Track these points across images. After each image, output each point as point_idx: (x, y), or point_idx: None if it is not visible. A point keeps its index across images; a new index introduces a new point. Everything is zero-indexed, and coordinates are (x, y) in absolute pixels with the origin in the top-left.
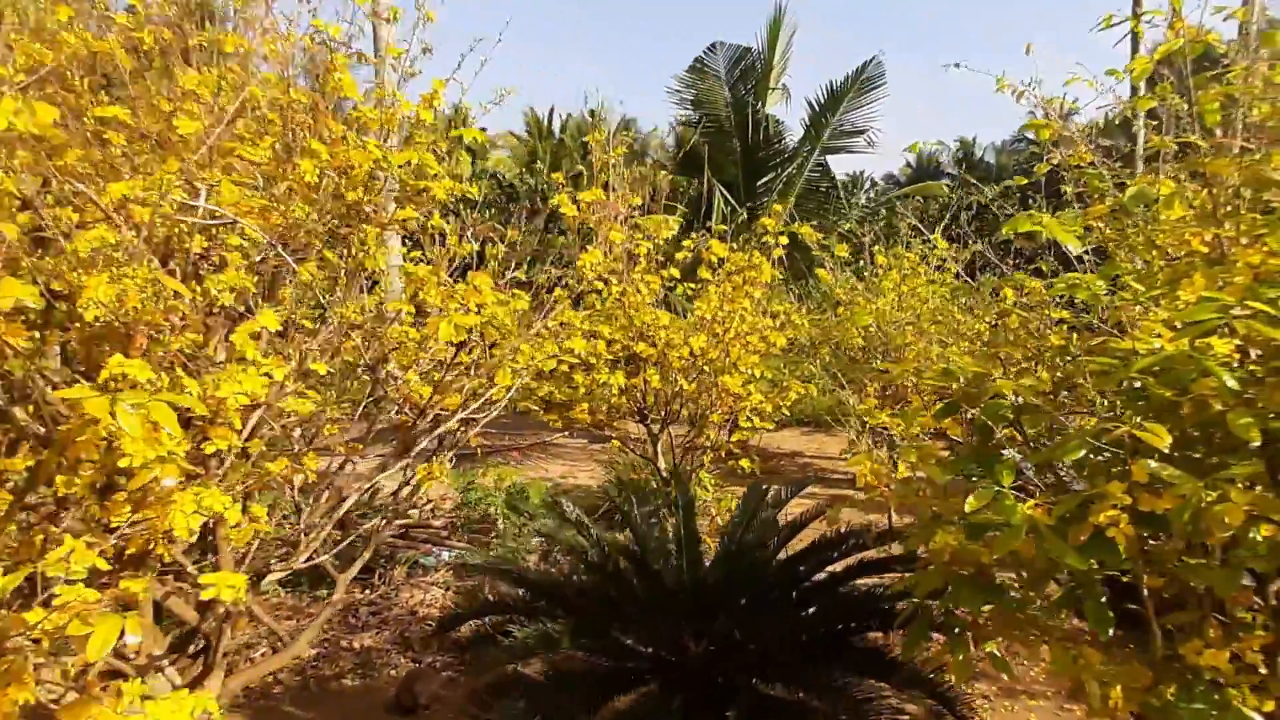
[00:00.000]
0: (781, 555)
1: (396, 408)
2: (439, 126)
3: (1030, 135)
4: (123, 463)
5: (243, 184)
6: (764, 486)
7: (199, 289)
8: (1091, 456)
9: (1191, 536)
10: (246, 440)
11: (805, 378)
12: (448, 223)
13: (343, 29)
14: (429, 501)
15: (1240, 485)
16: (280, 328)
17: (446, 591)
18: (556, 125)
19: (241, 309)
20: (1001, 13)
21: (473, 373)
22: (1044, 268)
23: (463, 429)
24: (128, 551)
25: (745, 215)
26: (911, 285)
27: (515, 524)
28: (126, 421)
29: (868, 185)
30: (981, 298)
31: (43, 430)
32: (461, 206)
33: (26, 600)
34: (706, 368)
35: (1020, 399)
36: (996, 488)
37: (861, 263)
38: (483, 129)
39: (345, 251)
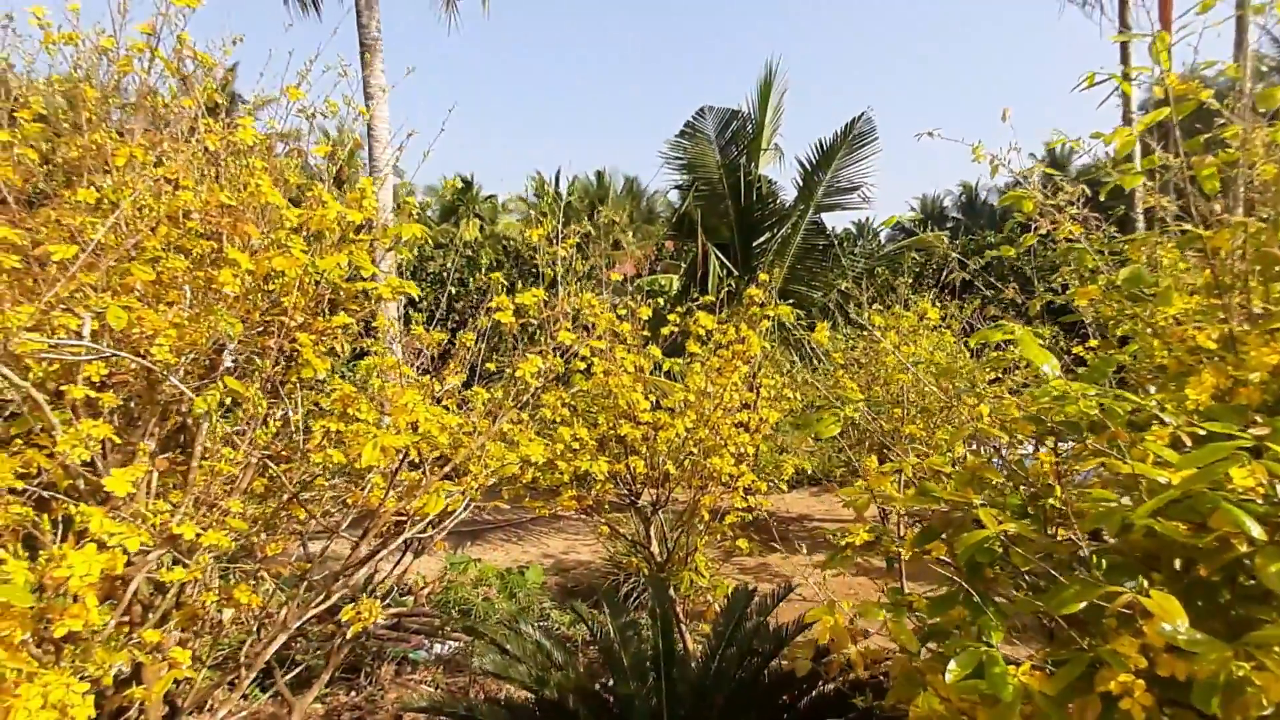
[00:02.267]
0: (771, 666)
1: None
2: (382, 223)
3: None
4: None
5: (153, 302)
6: (751, 590)
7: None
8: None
9: (1223, 716)
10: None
11: (809, 450)
12: (410, 313)
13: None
14: (425, 587)
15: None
16: (127, 489)
17: (437, 690)
18: (564, 187)
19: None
20: (995, 58)
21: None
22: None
23: (429, 533)
24: None
25: (741, 279)
26: (909, 351)
27: (510, 612)
28: None
29: (872, 235)
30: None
31: None
32: (467, 272)
33: None
34: (695, 449)
35: (1006, 529)
36: (985, 647)
37: (861, 317)
38: (491, 195)
39: (275, 364)
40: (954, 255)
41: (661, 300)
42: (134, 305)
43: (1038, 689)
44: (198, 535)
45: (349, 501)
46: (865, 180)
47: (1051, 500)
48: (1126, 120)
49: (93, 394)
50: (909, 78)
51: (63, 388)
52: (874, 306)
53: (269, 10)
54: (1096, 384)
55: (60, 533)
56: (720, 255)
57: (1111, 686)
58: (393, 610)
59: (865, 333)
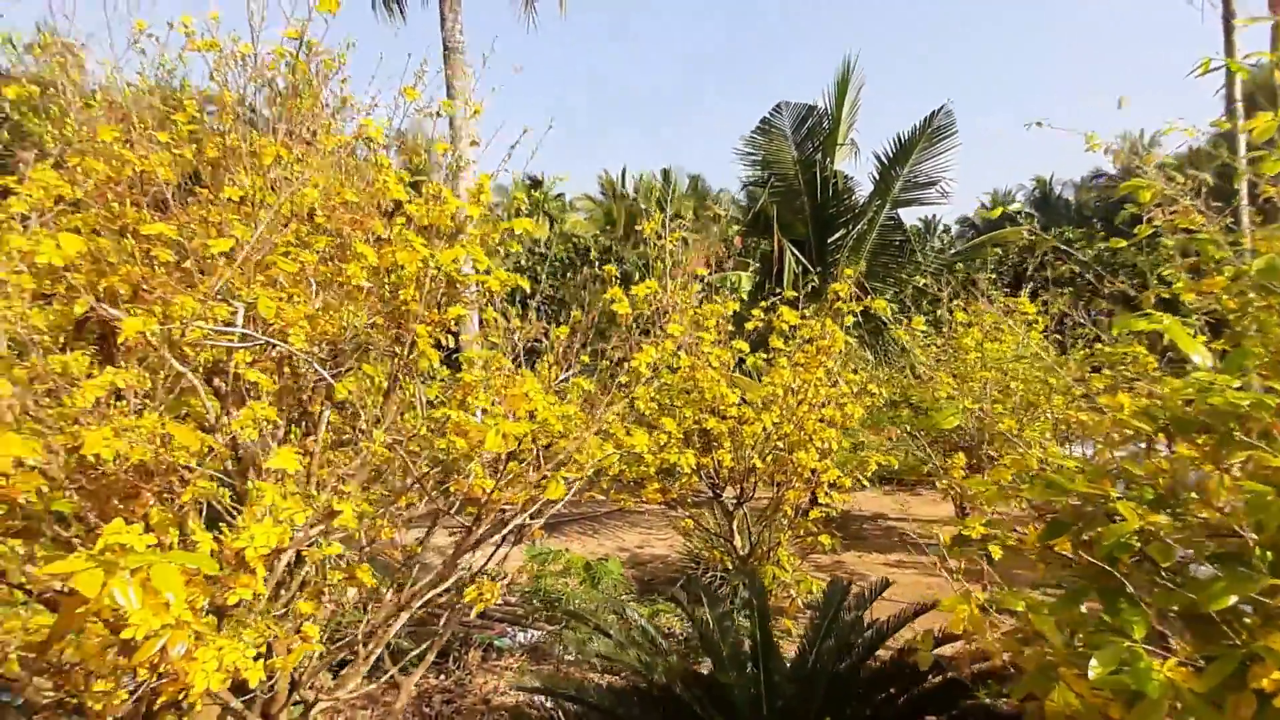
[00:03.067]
0: (870, 662)
1: (457, 504)
2: (492, 217)
3: (1102, 176)
4: (126, 633)
5: (288, 294)
6: (846, 583)
7: (225, 424)
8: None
9: None
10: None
11: (887, 447)
12: (509, 307)
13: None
14: (505, 576)
15: None
16: (300, 467)
17: (521, 677)
18: (629, 185)
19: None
20: (1079, 43)
21: (530, 473)
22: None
23: (529, 521)
24: (160, 701)
25: (816, 276)
26: (995, 349)
27: (592, 602)
28: (124, 595)
29: (940, 230)
30: (1075, 363)
31: (59, 586)
32: (538, 268)
33: None
34: (781, 443)
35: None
36: (1127, 642)
37: (939, 314)
38: (560, 194)
39: (396, 354)
40: (1052, 248)
41: (737, 298)
42: (278, 297)
43: (1185, 686)
44: (358, 514)
45: (451, 489)
46: (943, 175)
47: (1191, 494)
48: (1230, 109)
49: (264, 380)
50: (980, 69)
51: (239, 371)
52: (954, 303)
53: (354, 11)
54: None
55: (204, 510)
56: (795, 252)
57: (1265, 684)
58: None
59: (944, 329)
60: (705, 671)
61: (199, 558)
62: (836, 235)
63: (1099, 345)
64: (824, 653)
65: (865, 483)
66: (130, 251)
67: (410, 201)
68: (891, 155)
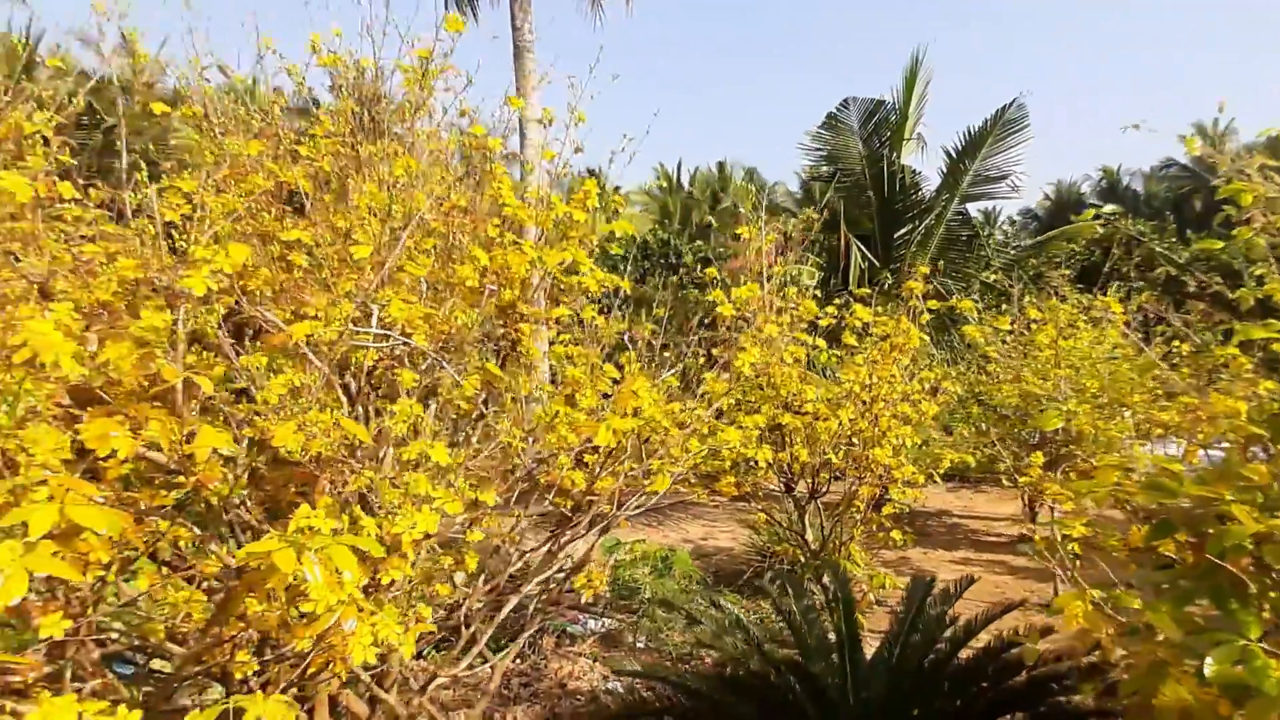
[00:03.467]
0: (957, 658)
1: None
2: (591, 221)
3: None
4: (306, 606)
5: (409, 300)
6: (930, 579)
7: (374, 419)
8: None
9: None
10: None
11: (963, 444)
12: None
13: (493, 130)
14: (589, 564)
15: None
16: (449, 460)
17: (594, 663)
18: (685, 178)
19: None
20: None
21: (626, 466)
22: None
23: (615, 512)
24: (310, 670)
25: (883, 271)
26: (1070, 346)
27: (665, 592)
28: (311, 572)
29: (1001, 223)
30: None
31: (234, 563)
32: (619, 266)
33: None
34: (855, 439)
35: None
36: (1243, 641)
37: (1004, 309)
38: (617, 188)
39: (511, 353)
40: (1128, 240)
41: (810, 294)
42: (403, 298)
43: None
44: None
45: (541, 480)
46: (1014, 169)
47: None
48: None
49: (408, 376)
50: (1046, 61)
51: (395, 374)
52: (1026, 299)
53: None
54: None
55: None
56: (861, 247)
57: None
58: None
59: (1014, 326)
60: (794, 661)
61: (367, 541)
62: (903, 230)
63: (1177, 343)
64: (910, 646)
65: (938, 479)
66: (274, 256)
67: (522, 207)
68: (960, 149)
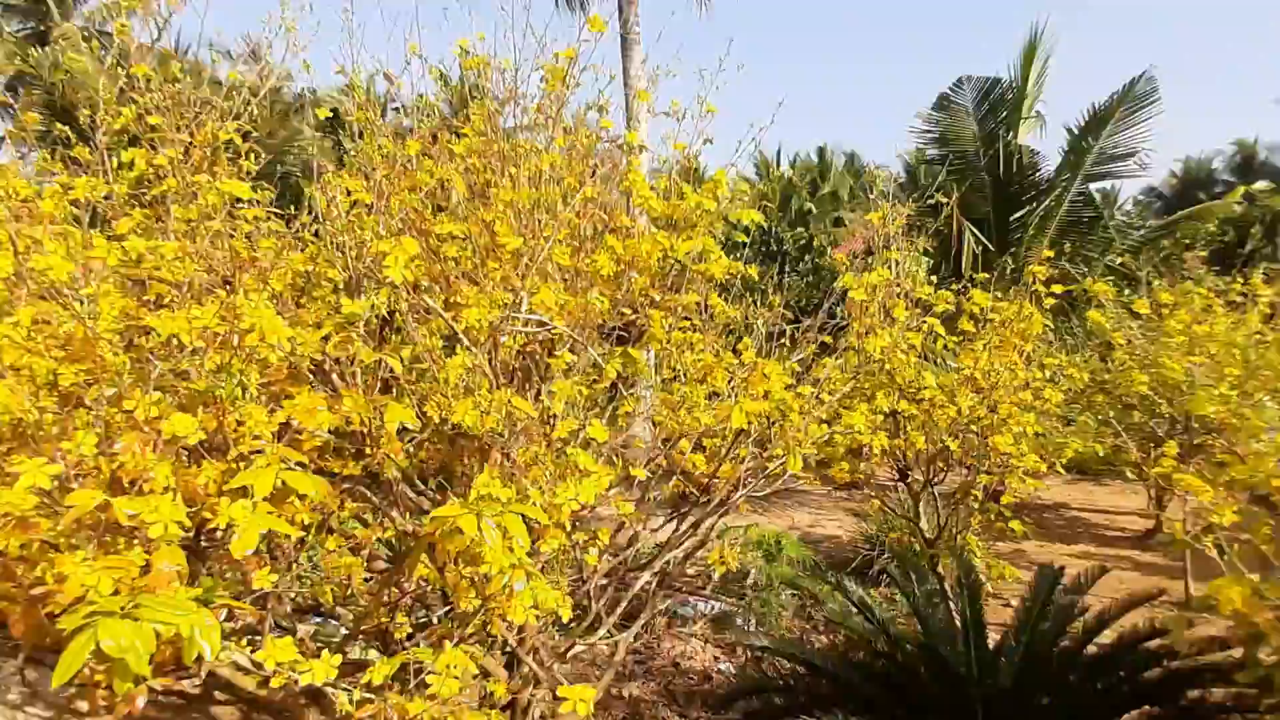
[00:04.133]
0: (1088, 649)
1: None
2: (718, 211)
3: None
4: (482, 568)
5: (552, 288)
6: (1058, 567)
7: (541, 401)
8: None
9: None
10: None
11: (1085, 434)
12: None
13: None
14: (707, 546)
15: None
16: (605, 437)
17: (705, 644)
18: (784, 164)
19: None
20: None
21: (745, 451)
22: None
23: (734, 495)
24: (469, 631)
25: (997, 255)
26: (1206, 330)
27: (768, 576)
28: (490, 536)
29: (1124, 203)
30: None
31: (410, 529)
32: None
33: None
34: (974, 426)
35: None
36: None
37: (1131, 293)
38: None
39: (639, 339)
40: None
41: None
42: (553, 286)
43: None
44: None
45: (662, 463)
46: (1142, 145)
47: None
48: None
49: (559, 360)
50: (1173, 29)
51: (549, 360)
52: (1157, 282)
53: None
54: None
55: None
56: (975, 231)
57: None
58: (657, 569)
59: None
60: (920, 643)
61: (535, 510)
62: (1020, 213)
63: None
64: (1039, 634)
65: (1061, 469)
66: (429, 248)
67: (657, 199)
68: (1083, 126)
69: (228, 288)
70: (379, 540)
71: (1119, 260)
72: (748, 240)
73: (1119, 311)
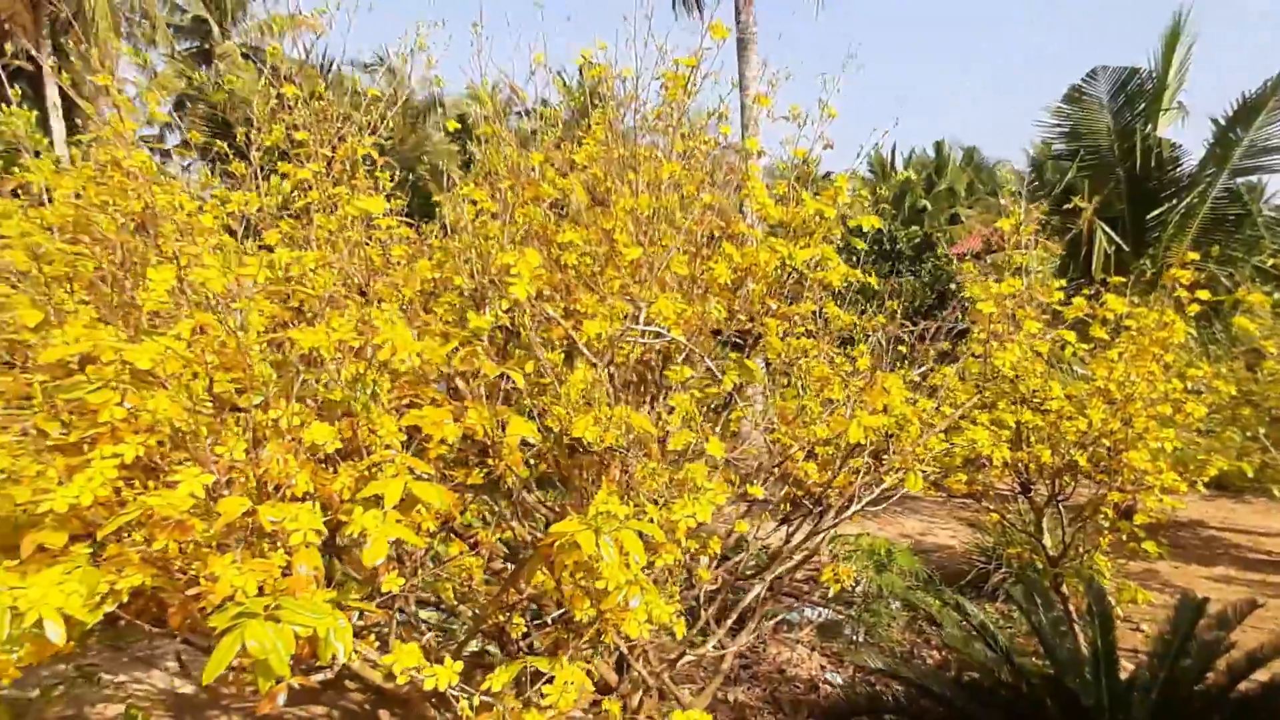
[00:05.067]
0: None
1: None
2: (835, 216)
3: None
4: (598, 584)
5: (670, 297)
6: (1201, 598)
7: (657, 413)
8: None
9: None
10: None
11: (1229, 449)
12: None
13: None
14: (815, 555)
15: None
16: (721, 453)
17: (812, 652)
18: (900, 162)
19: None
20: None
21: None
22: None
23: (848, 509)
24: (585, 637)
25: (1132, 256)
26: None
27: (878, 586)
28: (607, 553)
29: (1270, 197)
30: None
31: (529, 538)
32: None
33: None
34: (1106, 440)
35: None
36: None
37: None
38: (828, 172)
39: (754, 348)
40: None
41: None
42: (671, 296)
43: None
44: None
45: (774, 471)
46: None
47: None
48: None
49: (677, 374)
50: None
51: (666, 371)
52: None
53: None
54: None
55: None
56: (1107, 229)
57: None
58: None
59: None
60: (1046, 675)
61: (651, 527)
62: (1158, 210)
63: None
64: (1179, 670)
65: (1203, 488)
66: (554, 258)
67: (774, 205)
68: (1231, 116)
69: (362, 297)
70: (499, 539)
71: (1269, 261)
72: (864, 247)
73: (1270, 317)
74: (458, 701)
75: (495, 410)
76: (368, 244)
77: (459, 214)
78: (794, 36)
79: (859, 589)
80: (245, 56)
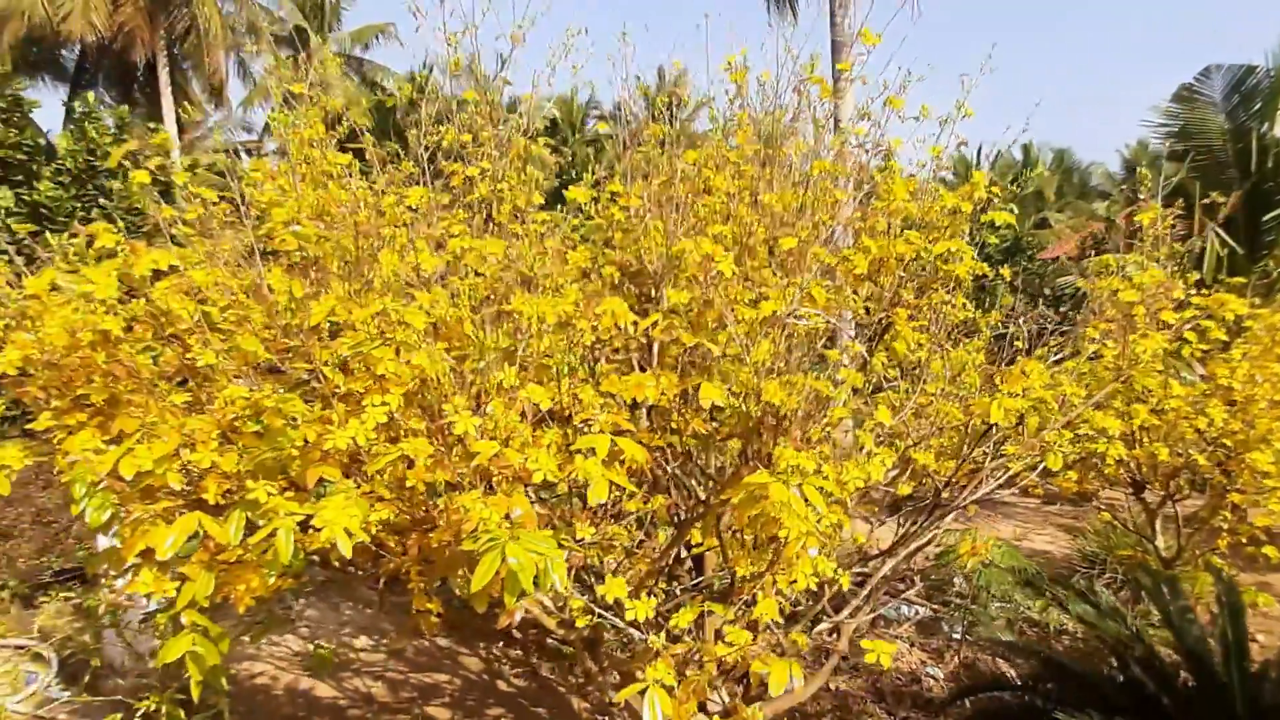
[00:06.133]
0: None
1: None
2: (969, 211)
3: None
4: (781, 533)
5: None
6: None
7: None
8: None
9: None
10: None
11: None
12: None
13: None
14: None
15: None
16: (890, 421)
17: (911, 647)
18: (984, 164)
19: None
20: None
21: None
22: None
23: (972, 492)
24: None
25: (1246, 259)
26: None
27: (977, 585)
28: (795, 503)
29: None
30: None
31: (703, 495)
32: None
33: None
34: (1228, 440)
35: None
36: None
37: None
38: (911, 175)
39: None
40: None
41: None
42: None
43: None
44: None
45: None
46: None
47: None
48: None
49: (834, 354)
50: None
51: (825, 352)
52: None
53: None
54: None
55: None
56: (1220, 232)
57: None
58: (857, 570)
59: None
60: (1176, 654)
61: (830, 484)
62: (1275, 213)
63: None
64: None
65: None
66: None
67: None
68: None
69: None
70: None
71: None
72: (996, 241)
73: None
74: (649, 637)
75: (684, 378)
76: (521, 238)
77: (638, 203)
78: (891, 38)
79: (956, 588)
80: (341, 59)
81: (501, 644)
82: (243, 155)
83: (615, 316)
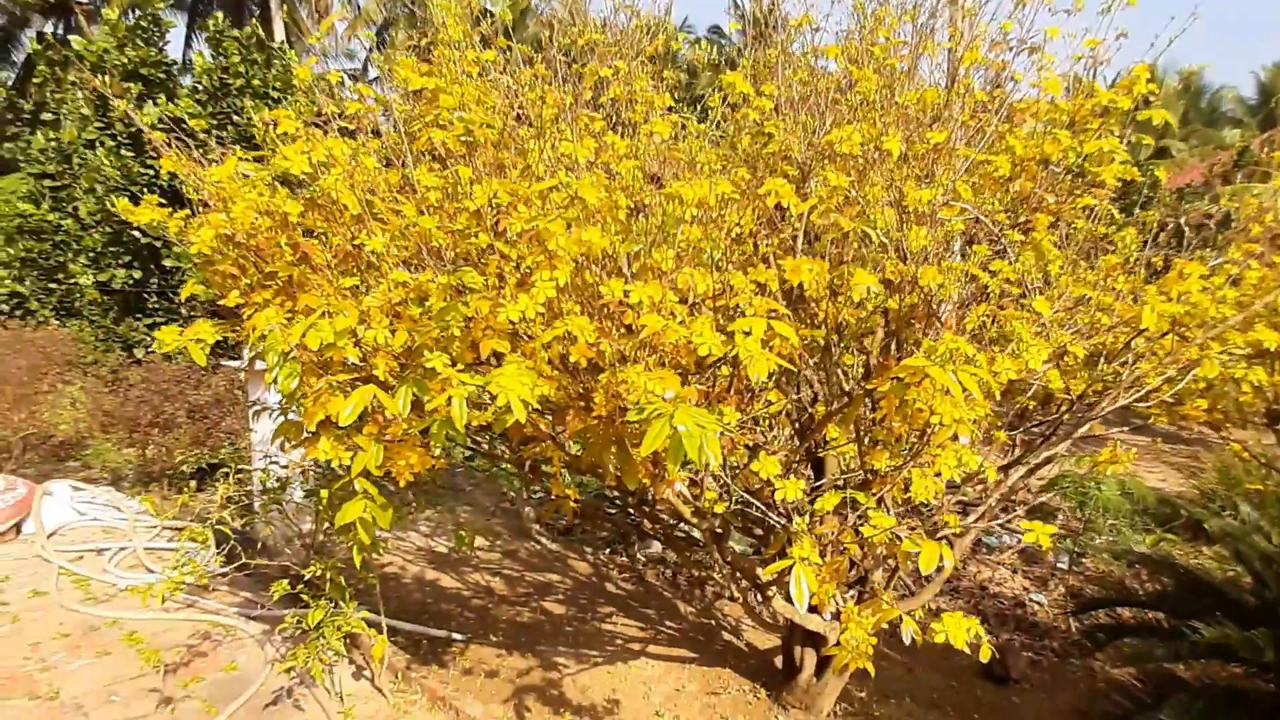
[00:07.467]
0: None
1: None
2: (1122, 112)
3: None
4: (934, 419)
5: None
6: None
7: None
8: None
9: None
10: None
11: None
12: None
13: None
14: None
15: None
16: (1049, 313)
17: (1014, 574)
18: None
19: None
20: None
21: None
22: None
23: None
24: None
25: None
26: None
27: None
28: (954, 387)
29: None
30: None
31: (847, 386)
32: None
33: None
34: None
35: None
36: None
37: None
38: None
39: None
40: None
41: None
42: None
43: None
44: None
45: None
46: None
47: None
48: None
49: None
50: None
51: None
52: None
53: None
54: None
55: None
56: None
57: None
58: (957, 498)
59: None
60: None
61: (984, 373)
62: None
63: None
64: None
65: None
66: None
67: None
68: None
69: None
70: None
71: None
72: (1151, 142)
73: None
74: (794, 519)
75: (837, 267)
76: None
77: (769, 104)
78: None
79: (1059, 520)
80: None
81: (608, 551)
82: (346, 81)
83: (779, 196)
